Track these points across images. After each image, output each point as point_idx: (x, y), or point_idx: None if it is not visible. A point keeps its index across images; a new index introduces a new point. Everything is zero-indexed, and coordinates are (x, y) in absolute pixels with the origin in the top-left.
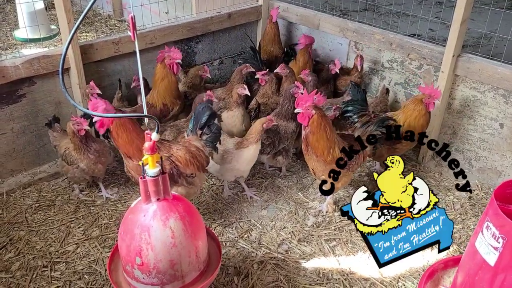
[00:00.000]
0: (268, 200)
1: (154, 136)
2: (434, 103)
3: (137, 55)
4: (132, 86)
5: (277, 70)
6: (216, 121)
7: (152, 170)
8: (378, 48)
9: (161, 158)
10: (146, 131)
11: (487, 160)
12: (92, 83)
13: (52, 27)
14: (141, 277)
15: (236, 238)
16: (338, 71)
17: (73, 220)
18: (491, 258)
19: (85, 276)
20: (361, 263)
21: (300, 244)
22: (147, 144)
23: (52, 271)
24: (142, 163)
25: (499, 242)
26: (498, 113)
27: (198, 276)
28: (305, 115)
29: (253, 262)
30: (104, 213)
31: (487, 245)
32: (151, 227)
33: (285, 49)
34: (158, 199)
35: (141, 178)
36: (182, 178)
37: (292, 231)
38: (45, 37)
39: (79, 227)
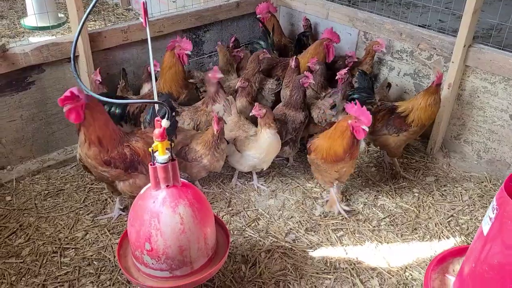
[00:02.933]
0: (275, 190)
1: (165, 122)
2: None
3: (149, 42)
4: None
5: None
6: (173, 114)
7: (162, 156)
8: (388, 38)
9: (171, 144)
10: (156, 118)
11: (496, 152)
12: (97, 70)
13: (60, 15)
14: (150, 262)
15: (243, 227)
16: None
17: (82, 207)
18: (486, 228)
19: (94, 262)
20: (368, 253)
21: (308, 234)
22: (157, 131)
23: (62, 257)
24: (152, 150)
25: (493, 213)
26: (508, 105)
27: (207, 262)
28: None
29: (261, 250)
30: (113, 200)
31: (486, 217)
32: (160, 213)
33: (296, 37)
34: (167, 186)
35: (150, 165)
36: (142, 166)
37: (300, 221)
38: (53, 25)
39: (87, 214)
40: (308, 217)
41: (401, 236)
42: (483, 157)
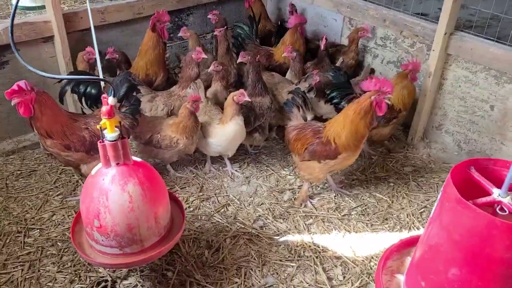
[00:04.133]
0: (249, 176)
1: (111, 100)
2: (417, 76)
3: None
4: (106, 58)
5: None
6: (135, 93)
7: (110, 134)
8: (372, 24)
9: (120, 122)
10: (103, 95)
11: (476, 143)
12: (89, 48)
13: None
14: (100, 239)
15: (212, 212)
16: (328, 49)
17: (52, 189)
18: (432, 210)
19: (58, 243)
20: (335, 242)
21: (276, 221)
22: (104, 108)
23: (26, 237)
24: (101, 127)
25: (439, 195)
26: (489, 95)
27: (159, 241)
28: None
29: (226, 236)
30: (83, 182)
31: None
32: (109, 190)
33: (279, 23)
34: (117, 164)
35: (99, 142)
36: None
37: (269, 208)
38: (41, 5)
39: (57, 195)
40: (279, 204)
41: (371, 226)
42: (464, 148)
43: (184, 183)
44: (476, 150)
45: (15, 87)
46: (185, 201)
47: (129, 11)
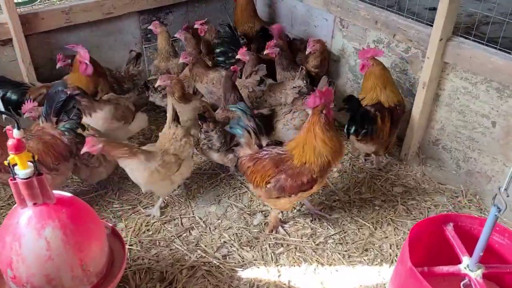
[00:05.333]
0: (221, 194)
1: (16, 133)
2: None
3: None
4: (58, 66)
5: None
6: (74, 105)
7: (23, 171)
8: (364, 26)
9: (33, 157)
10: (7, 127)
11: (476, 162)
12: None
13: None
14: None
15: (172, 237)
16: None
17: None
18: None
19: None
20: (304, 277)
21: (242, 249)
22: (10, 142)
23: None
24: (9, 163)
25: None
26: (490, 109)
27: None
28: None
29: (183, 267)
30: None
31: None
32: (23, 236)
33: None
34: (35, 204)
35: (10, 180)
36: (40, 165)
37: (237, 233)
38: (25, 0)
39: None
40: (248, 229)
41: (348, 257)
42: (462, 167)
43: (149, 202)
44: (476, 170)
45: None
46: (145, 224)
47: (98, 11)
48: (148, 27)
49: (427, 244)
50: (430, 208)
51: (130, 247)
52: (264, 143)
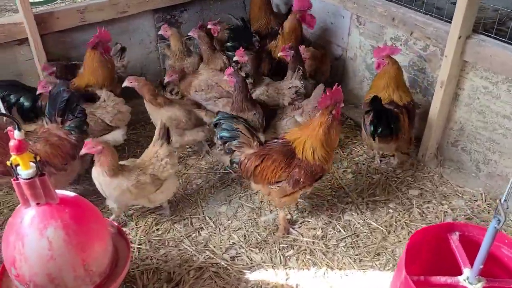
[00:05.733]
0: (232, 194)
1: (17, 134)
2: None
3: None
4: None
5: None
6: (78, 103)
7: (25, 171)
8: (380, 23)
9: (35, 157)
10: (9, 128)
11: (497, 165)
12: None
13: None
14: (24, 287)
15: (182, 237)
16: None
17: None
18: None
19: None
20: (313, 281)
21: (251, 250)
22: (12, 143)
23: None
24: (11, 164)
25: None
26: None
27: None
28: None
29: (191, 268)
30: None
31: None
32: (25, 235)
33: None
34: (38, 204)
35: (13, 180)
36: (49, 166)
37: (246, 234)
38: (45, 0)
39: None
40: (258, 230)
41: (359, 262)
42: (482, 169)
43: None
44: (497, 173)
45: None
46: (156, 223)
47: (112, 10)
48: (158, 33)
49: (430, 252)
50: (447, 212)
51: (139, 246)
52: (262, 139)
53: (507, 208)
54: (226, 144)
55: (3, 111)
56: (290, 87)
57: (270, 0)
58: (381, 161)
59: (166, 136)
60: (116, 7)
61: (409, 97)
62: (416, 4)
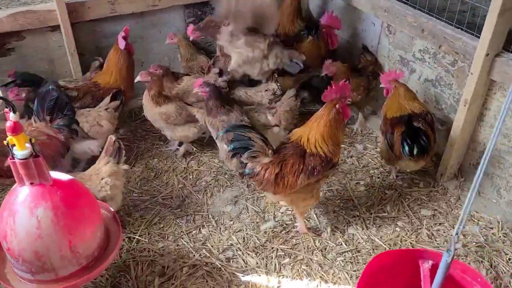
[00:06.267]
0: (239, 195)
1: (12, 116)
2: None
3: None
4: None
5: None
6: (67, 101)
7: (20, 152)
8: (410, 34)
9: (31, 140)
10: (5, 109)
11: None
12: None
13: None
14: (13, 261)
15: (182, 233)
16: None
17: None
18: None
19: None
20: None
21: (248, 253)
22: (8, 124)
23: None
24: (8, 143)
25: None
26: None
27: (79, 270)
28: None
29: (185, 264)
30: None
31: None
32: (17, 212)
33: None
34: (32, 183)
35: (10, 159)
36: None
37: (246, 237)
38: None
39: None
40: (258, 234)
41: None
42: (504, 196)
43: (169, 192)
44: None
45: None
46: (159, 216)
47: (143, 3)
48: (166, 42)
49: (396, 278)
50: (458, 237)
51: (139, 237)
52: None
53: (456, 242)
54: (239, 156)
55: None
56: (267, 90)
57: (299, 5)
58: (397, 176)
59: (117, 154)
60: (146, 0)
61: (425, 108)
62: (448, 16)
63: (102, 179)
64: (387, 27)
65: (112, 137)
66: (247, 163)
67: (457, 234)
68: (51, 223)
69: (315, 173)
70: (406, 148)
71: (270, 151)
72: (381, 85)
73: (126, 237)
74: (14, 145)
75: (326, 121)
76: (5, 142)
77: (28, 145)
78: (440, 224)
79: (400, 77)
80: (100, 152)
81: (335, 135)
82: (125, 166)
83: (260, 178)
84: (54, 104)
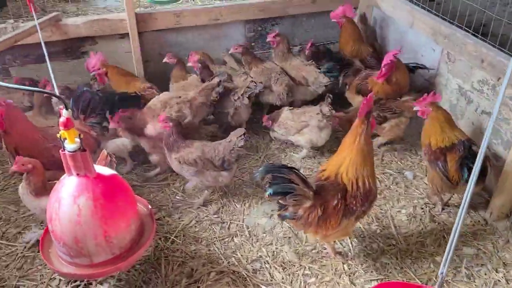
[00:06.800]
0: (275, 209)
1: (65, 112)
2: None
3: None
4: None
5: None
6: (100, 102)
7: (70, 145)
8: (469, 63)
9: (80, 135)
10: (60, 107)
11: None
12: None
13: None
14: (56, 243)
15: (215, 239)
16: None
17: None
18: None
19: None
20: None
21: (275, 267)
22: (61, 119)
23: None
24: (60, 136)
25: None
26: None
27: (112, 259)
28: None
29: (213, 269)
30: None
31: None
32: (62, 199)
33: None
34: (78, 174)
35: (61, 151)
36: None
37: (276, 251)
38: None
39: None
40: (289, 250)
41: None
42: None
43: (209, 198)
44: None
45: None
46: (196, 220)
47: (206, 17)
48: (163, 61)
49: None
50: (499, 281)
51: (174, 238)
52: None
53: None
54: (281, 201)
55: (57, 93)
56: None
57: (359, 29)
58: (443, 209)
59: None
60: (209, 14)
61: (466, 135)
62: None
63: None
64: (447, 55)
65: (105, 151)
66: (287, 206)
67: (442, 273)
68: (90, 212)
69: (357, 213)
70: (466, 174)
71: (311, 193)
72: (414, 108)
73: (163, 236)
74: (65, 138)
75: (366, 138)
76: (57, 135)
77: (77, 139)
78: (482, 265)
79: (438, 99)
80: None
81: (372, 151)
82: None
83: (303, 222)
84: (87, 105)
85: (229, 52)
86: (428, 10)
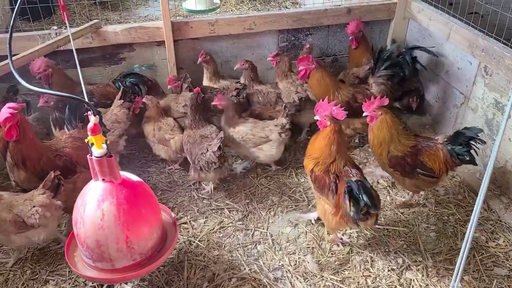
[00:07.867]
0: (300, 219)
1: (93, 118)
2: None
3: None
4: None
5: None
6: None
7: (97, 150)
8: (506, 77)
9: (106, 141)
10: (88, 112)
11: None
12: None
13: (215, 0)
14: (80, 246)
15: (238, 246)
16: None
17: None
18: None
19: None
20: None
21: (296, 277)
22: (89, 125)
23: None
24: (88, 142)
25: None
26: None
27: (133, 265)
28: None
29: (234, 276)
30: None
31: None
32: (87, 203)
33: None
34: (103, 180)
35: (88, 156)
36: (79, 166)
37: (298, 261)
38: (210, 8)
39: None
40: (310, 260)
41: None
42: None
43: (235, 204)
44: None
45: (8, 113)
46: (221, 226)
47: (240, 26)
48: (169, 87)
49: None
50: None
51: (198, 242)
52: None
53: None
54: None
55: (86, 99)
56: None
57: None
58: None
59: (55, 190)
60: (243, 24)
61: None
62: None
63: (33, 206)
64: (484, 68)
65: (52, 173)
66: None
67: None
68: (113, 217)
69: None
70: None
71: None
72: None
73: (187, 240)
74: (93, 144)
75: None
76: (86, 141)
77: (104, 145)
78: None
79: (384, 103)
80: None
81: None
82: (59, 202)
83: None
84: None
85: (235, 68)
86: (465, 22)
